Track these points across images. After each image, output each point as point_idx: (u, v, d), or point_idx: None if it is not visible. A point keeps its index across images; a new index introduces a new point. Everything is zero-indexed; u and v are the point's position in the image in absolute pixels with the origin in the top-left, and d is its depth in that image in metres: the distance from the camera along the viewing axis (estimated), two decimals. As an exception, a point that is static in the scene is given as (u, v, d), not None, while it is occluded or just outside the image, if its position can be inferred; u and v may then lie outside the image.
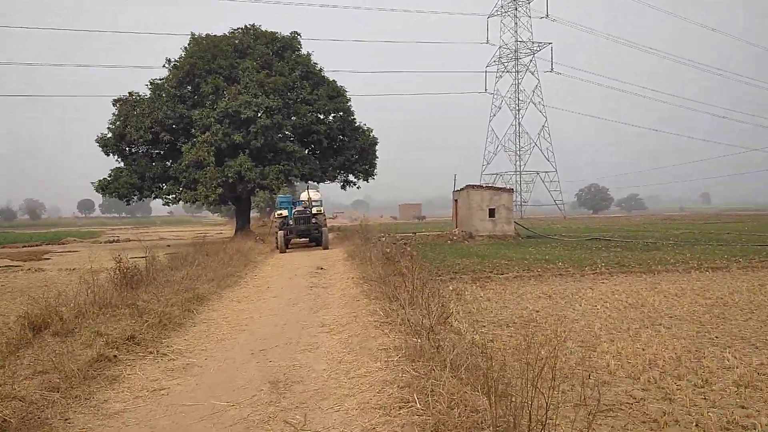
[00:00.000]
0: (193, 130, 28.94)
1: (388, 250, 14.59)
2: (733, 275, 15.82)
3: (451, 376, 4.41)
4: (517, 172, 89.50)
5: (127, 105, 30.18)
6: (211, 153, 27.27)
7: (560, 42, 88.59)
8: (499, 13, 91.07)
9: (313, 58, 32.70)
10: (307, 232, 21.52)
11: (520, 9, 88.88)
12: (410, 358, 5.15)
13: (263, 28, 33.11)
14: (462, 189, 33.62)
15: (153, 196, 31.56)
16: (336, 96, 32.17)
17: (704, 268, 16.87)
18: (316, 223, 21.44)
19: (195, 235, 48.95)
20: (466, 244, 29.96)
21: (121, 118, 29.83)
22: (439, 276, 16.01)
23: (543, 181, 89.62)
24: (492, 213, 32.44)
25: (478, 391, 4.17)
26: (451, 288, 14.02)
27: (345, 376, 5.03)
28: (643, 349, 7.97)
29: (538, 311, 10.95)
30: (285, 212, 22.33)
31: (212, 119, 27.77)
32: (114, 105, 30.84)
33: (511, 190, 33.44)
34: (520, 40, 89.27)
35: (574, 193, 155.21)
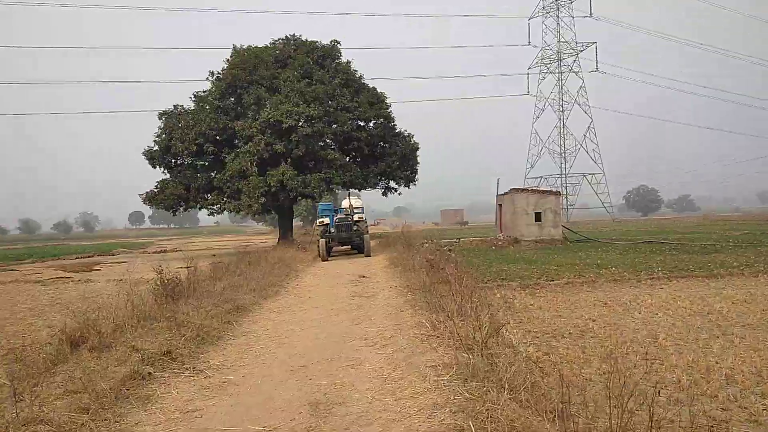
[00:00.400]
0: (236, 141, 29.25)
1: (431, 257, 14.13)
2: (808, 279, 14.61)
3: (510, 399, 3.93)
4: (563, 175, 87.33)
5: (172, 118, 30.76)
6: (254, 163, 27.44)
7: (606, 40, 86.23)
8: (540, 14, 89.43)
9: (354, 65, 32.68)
10: (349, 239, 21.30)
11: (562, 9, 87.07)
12: (462, 377, 4.67)
13: (303, 38, 33.29)
14: (506, 193, 32.80)
15: (198, 206, 31.99)
16: (376, 102, 31.97)
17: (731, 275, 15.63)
18: (357, 230, 21.18)
19: (239, 245, 49.74)
20: (511, 250, 29.10)
21: (167, 131, 30.41)
22: (485, 283, 15.41)
23: (590, 183, 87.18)
24: (538, 217, 31.46)
25: (542, 417, 3.66)
26: (498, 296, 13.43)
27: (391, 398, 4.59)
28: (717, 362, 7.23)
29: (594, 320, 10.25)
30: (326, 220, 22.15)
31: (254, 129, 27.96)
32: (160, 118, 31.51)
33: (557, 193, 32.40)
34: (562, 40, 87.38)
35: (621, 195, 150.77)
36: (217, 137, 30.03)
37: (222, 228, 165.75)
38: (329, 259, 20.30)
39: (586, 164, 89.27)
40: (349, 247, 22.27)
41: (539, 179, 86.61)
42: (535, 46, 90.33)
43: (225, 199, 29.92)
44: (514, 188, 32.58)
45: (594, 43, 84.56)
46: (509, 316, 10.51)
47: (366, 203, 32.05)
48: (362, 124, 32.02)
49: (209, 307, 8.48)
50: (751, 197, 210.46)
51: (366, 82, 33.32)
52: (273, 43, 33.52)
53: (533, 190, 33.11)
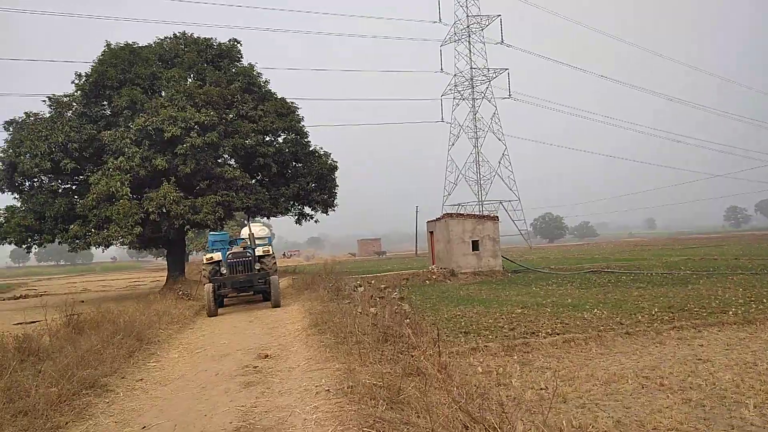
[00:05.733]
0: (106, 156, 22.83)
1: (373, 311, 9.05)
2: None
3: None
4: (480, 202, 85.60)
5: (23, 128, 23.87)
6: (126, 183, 21.19)
7: (515, 68, 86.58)
8: (452, 40, 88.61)
9: (258, 69, 27.34)
10: (249, 283, 14.91)
11: (473, 36, 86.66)
12: None
13: (196, 36, 27.60)
14: (439, 219, 28.54)
15: (58, 240, 24.91)
16: (286, 113, 26.71)
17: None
18: (261, 270, 15.21)
19: (127, 284, 42.09)
20: (449, 284, 24.76)
21: (14, 145, 23.50)
22: (448, 339, 10.65)
23: (506, 211, 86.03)
24: (475, 245, 27.46)
25: None
26: (480, 369, 8.63)
27: None
28: None
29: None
30: (217, 256, 16.03)
31: (127, 140, 21.81)
32: (6, 128, 24.51)
33: (496, 218, 28.56)
34: (475, 67, 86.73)
35: (529, 223, 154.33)
36: (82, 152, 23.45)
37: (118, 264, 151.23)
38: (222, 310, 14.39)
39: (501, 191, 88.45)
40: (251, 292, 16.13)
41: (457, 206, 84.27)
42: (447, 73, 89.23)
43: (92, 230, 23.22)
44: (448, 213, 28.47)
45: (506, 69, 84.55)
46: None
47: (278, 234, 26.38)
48: (269, 138, 26.62)
49: None
50: (640, 223, 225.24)
51: (273, 91, 28.14)
52: (158, 41, 27.49)
53: (469, 215, 29.10)
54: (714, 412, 6.25)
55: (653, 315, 12.91)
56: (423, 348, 6.07)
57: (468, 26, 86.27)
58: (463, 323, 13.10)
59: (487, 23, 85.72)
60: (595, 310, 14.14)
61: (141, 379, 6.64)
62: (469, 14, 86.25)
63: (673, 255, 37.69)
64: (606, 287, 19.90)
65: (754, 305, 13.42)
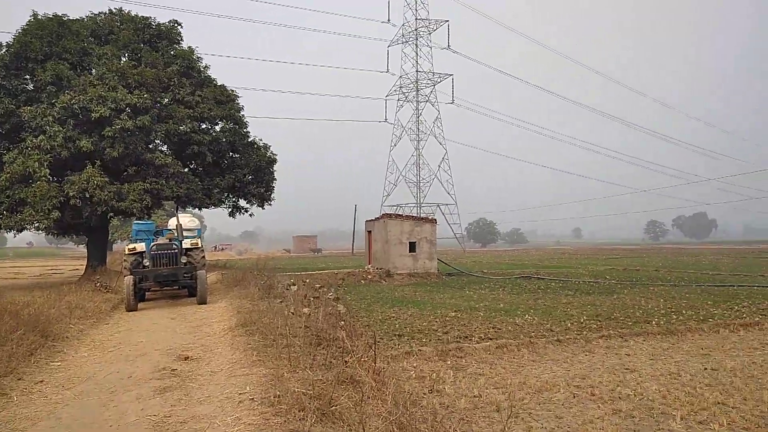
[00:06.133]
0: (24, 134, 21.12)
1: (306, 311, 8.66)
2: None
3: None
4: (418, 204, 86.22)
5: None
6: (45, 163, 19.66)
7: (460, 74, 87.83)
8: (400, 42, 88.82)
9: (198, 53, 26.12)
10: (174, 277, 13.88)
11: (421, 39, 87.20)
12: None
13: (134, 14, 26.05)
14: (378, 218, 28.35)
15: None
16: (226, 101, 25.70)
17: (735, 325, 12.57)
18: (188, 263, 14.23)
19: (41, 273, 39.34)
20: (385, 285, 24.64)
21: None
22: (381, 341, 10.36)
23: (443, 214, 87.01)
24: (413, 247, 27.48)
25: None
26: (413, 375, 8.43)
27: None
28: None
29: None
30: (141, 246, 14.63)
31: (50, 118, 20.25)
32: None
33: (434, 221, 28.65)
34: (420, 70, 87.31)
35: (464, 227, 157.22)
36: (-5, 127, 21.60)
37: (34, 250, 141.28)
38: (142, 305, 13.44)
39: (440, 195, 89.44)
40: (176, 287, 15.14)
41: (396, 207, 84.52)
42: (393, 74, 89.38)
43: (3, 212, 21.42)
44: (386, 214, 28.33)
45: (451, 75, 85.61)
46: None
47: (211, 226, 25.26)
48: (206, 126, 25.51)
49: None
50: (567, 232, 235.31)
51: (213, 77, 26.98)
52: (92, 16, 25.72)
53: (408, 217, 29.09)
54: (643, 424, 6.30)
55: (582, 323, 13.18)
56: (358, 353, 5.75)
57: (416, 29, 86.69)
58: (397, 325, 12.94)
59: (435, 27, 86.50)
60: (527, 315, 14.33)
61: (41, 381, 5.96)
62: (418, 17, 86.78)
63: (598, 264, 39.16)
64: (536, 293, 20.29)
65: (674, 316, 13.97)
